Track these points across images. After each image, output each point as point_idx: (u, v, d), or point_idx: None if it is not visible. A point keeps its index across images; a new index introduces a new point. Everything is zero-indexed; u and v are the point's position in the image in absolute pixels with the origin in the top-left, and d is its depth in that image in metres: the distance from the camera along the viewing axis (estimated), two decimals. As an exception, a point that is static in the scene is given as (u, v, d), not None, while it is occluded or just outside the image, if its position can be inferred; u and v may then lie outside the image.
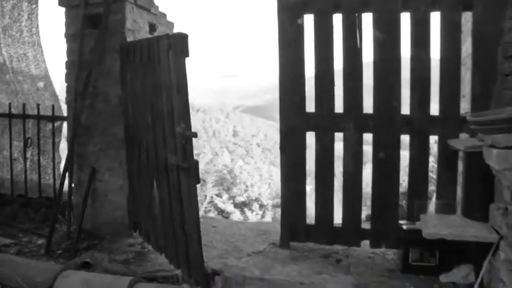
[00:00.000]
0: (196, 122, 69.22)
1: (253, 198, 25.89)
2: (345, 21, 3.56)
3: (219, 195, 28.08)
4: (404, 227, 3.42)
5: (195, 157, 2.87)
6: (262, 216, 21.83)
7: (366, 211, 5.32)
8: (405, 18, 3.44)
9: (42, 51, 5.52)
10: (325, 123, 3.69)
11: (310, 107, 3.70)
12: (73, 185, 4.24)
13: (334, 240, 3.76)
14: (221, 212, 27.15)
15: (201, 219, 4.99)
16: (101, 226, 4.21)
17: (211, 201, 28.12)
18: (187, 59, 2.81)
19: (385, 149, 3.59)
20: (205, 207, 27.53)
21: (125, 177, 4.06)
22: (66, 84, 4.24)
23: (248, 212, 25.40)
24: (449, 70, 3.40)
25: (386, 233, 3.61)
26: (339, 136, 3.70)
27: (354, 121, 3.62)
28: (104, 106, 4.10)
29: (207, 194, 28.86)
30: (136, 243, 3.97)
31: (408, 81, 3.54)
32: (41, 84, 5.28)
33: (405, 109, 3.55)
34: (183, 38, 2.77)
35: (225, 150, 50.91)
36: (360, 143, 3.65)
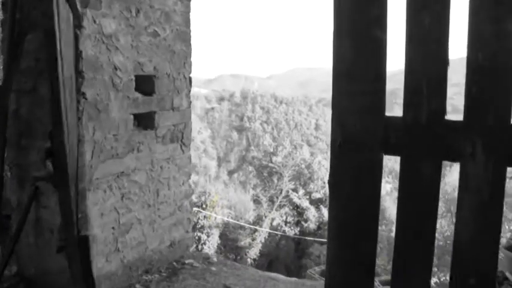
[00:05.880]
0: (278, 114, 68.33)
1: (330, 195, 24.58)
2: None
3: (295, 190, 26.84)
4: None
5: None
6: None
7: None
8: None
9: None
10: (424, 139, 1.75)
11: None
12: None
13: None
14: (296, 207, 25.97)
15: (213, 268, 3.33)
16: (47, 274, 2.74)
17: (286, 196, 27.02)
18: None
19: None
20: (280, 201, 26.42)
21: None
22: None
23: (324, 210, 23.98)
24: None
25: None
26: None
27: (483, 138, 1.66)
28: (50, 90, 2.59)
29: (283, 188, 27.76)
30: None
31: None
32: None
33: None
34: None
35: (305, 144, 49.37)
36: (495, 182, 1.67)
